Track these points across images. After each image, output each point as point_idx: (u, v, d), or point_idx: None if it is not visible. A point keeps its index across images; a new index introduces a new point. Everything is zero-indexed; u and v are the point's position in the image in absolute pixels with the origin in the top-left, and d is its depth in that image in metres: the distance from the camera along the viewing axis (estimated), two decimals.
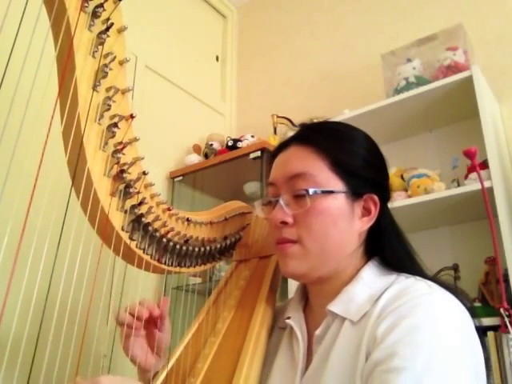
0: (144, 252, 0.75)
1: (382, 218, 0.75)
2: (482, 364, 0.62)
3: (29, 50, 0.62)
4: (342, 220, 0.72)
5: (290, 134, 0.82)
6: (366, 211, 0.75)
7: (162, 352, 0.85)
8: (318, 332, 0.71)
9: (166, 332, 0.86)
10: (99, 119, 0.67)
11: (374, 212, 0.74)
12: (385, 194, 0.78)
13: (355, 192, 0.74)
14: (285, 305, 0.88)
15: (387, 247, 0.75)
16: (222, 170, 2.05)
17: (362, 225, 0.74)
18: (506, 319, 1.20)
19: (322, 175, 0.73)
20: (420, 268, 0.76)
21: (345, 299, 0.71)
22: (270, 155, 0.84)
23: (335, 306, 0.71)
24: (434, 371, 0.55)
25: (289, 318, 0.78)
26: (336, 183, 0.73)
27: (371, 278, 0.72)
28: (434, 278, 0.72)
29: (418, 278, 0.69)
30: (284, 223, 0.74)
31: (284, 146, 0.80)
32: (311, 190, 0.71)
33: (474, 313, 0.67)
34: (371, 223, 0.75)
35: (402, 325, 0.60)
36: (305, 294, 0.82)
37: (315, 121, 1.85)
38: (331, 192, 0.72)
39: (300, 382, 0.69)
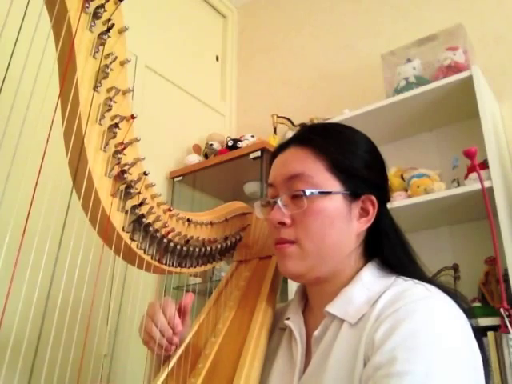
0: (145, 252, 0.75)
1: (380, 219, 0.76)
2: (481, 367, 0.62)
3: (30, 50, 0.62)
4: (339, 220, 0.72)
5: (290, 134, 0.82)
6: (364, 212, 0.75)
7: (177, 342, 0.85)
8: (316, 333, 0.71)
9: (186, 327, 0.85)
10: (100, 120, 0.67)
11: (372, 213, 0.74)
12: (383, 195, 0.78)
13: (353, 193, 0.74)
14: (285, 306, 0.88)
15: (387, 248, 0.75)
16: (221, 170, 2.06)
17: (360, 225, 0.74)
18: (506, 319, 1.20)
19: (320, 176, 0.73)
20: (420, 269, 0.76)
21: (343, 301, 0.71)
22: (269, 156, 0.84)
23: (333, 308, 0.71)
24: (435, 375, 0.55)
25: (288, 318, 0.78)
26: (333, 184, 0.73)
27: (370, 279, 0.72)
28: (433, 280, 0.71)
29: (416, 281, 0.69)
30: (282, 224, 0.74)
31: (283, 146, 0.80)
32: (308, 191, 0.72)
33: (472, 314, 0.66)
34: (369, 224, 0.75)
35: (401, 329, 0.60)
36: (304, 295, 0.83)
37: (315, 121, 1.86)
38: (328, 193, 0.72)
39: (298, 383, 0.69)
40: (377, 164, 0.79)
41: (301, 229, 0.73)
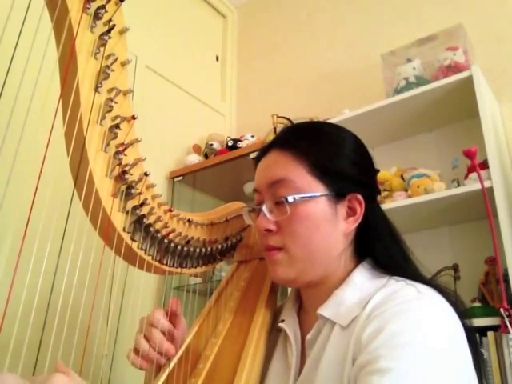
0: (145, 253, 0.75)
1: (370, 217, 0.74)
2: (468, 370, 0.61)
3: (31, 51, 0.62)
4: (325, 223, 0.71)
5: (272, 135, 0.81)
6: (352, 211, 0.73)
7: (177, 346, 0.83)
8: (309, 336, 0.71)
9: (182, 328, 0.82)
10: (101, 120, 0.68)
11: (360, 211, 0.73)
12: (371, 193, 0.76)
13: (338, 193, 0.72)
14: (281, 306, 0.88)
15: (378, 247, 0.74)
16: (221, 170, 2.06)
17: (348, 225, 0.73)
18: (506, 319, 1.20)
19: (302, 180, 0.72)
20: (415, 268, 0.74)
21: (335, 303, 0.70)
22: (254, 160, 0.83)
23: (325, 310, 0.70)
24: (416, 373, 0.55)
25: (283, 321, 0.78)
26: (317, 186, 0.72)
27: (362, 281, 0.71)
28: (428, 280, 0.70)
29: (408, 281, 0.67)
30: (268, 231, 0.74)
31: (265, 150, 0.78)
32: (290, 197, 0.71)
33: (467, 315, 0.66)
34: (357, 223, 0.73)
35: (387, 329, 0.59)
36: (299, 296, 0.82)
37: (315, 120, 1.85)
38: (311, 197, 0.71)
39: None
40: (362, 161, 0.77)
41: (287, 235, 0.72)
